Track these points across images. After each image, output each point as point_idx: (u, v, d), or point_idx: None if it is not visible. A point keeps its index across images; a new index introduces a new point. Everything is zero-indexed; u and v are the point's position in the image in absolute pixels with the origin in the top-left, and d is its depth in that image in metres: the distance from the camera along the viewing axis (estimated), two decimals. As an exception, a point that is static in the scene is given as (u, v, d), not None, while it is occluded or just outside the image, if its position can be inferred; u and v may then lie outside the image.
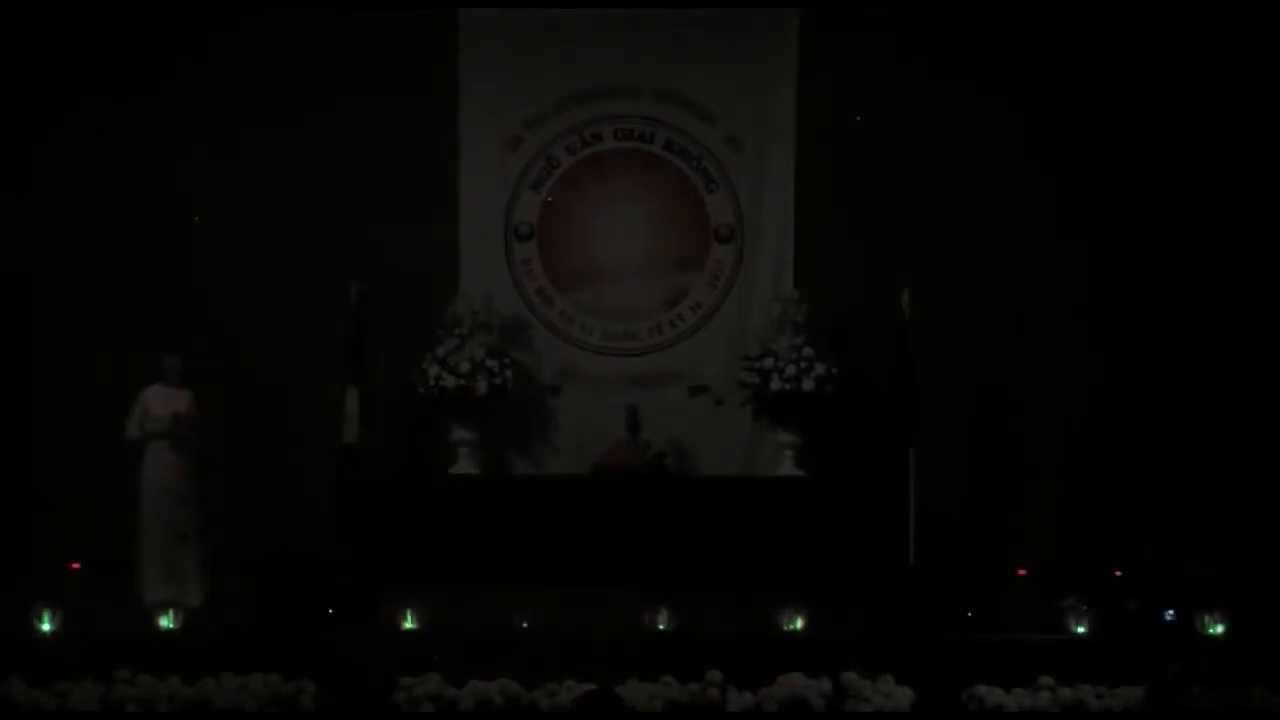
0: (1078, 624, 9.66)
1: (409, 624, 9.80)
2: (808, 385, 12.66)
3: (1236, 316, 13.03)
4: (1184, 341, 12.99)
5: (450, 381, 12.75)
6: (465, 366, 12.76)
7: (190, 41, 13.22)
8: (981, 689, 9.15)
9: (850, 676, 9.20)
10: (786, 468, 12.90)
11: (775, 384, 12.70)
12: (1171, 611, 9.39)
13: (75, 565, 12.87)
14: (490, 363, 12.84)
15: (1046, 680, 9.17)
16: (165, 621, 9.72)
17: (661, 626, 9.62)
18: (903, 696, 9.11)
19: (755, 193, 13.44)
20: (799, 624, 9.65)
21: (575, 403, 13.39)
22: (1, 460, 13.08)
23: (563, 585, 11.44)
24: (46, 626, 9.56)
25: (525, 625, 9.66)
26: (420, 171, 13.34)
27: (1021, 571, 12.81)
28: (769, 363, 12.77)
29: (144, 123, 13.23)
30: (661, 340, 13.47)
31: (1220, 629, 9.55)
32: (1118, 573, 12.76)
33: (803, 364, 12.69)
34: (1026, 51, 13.16)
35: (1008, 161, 13.17)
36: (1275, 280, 13.05)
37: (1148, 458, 11.28)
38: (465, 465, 12.97)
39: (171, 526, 11.26)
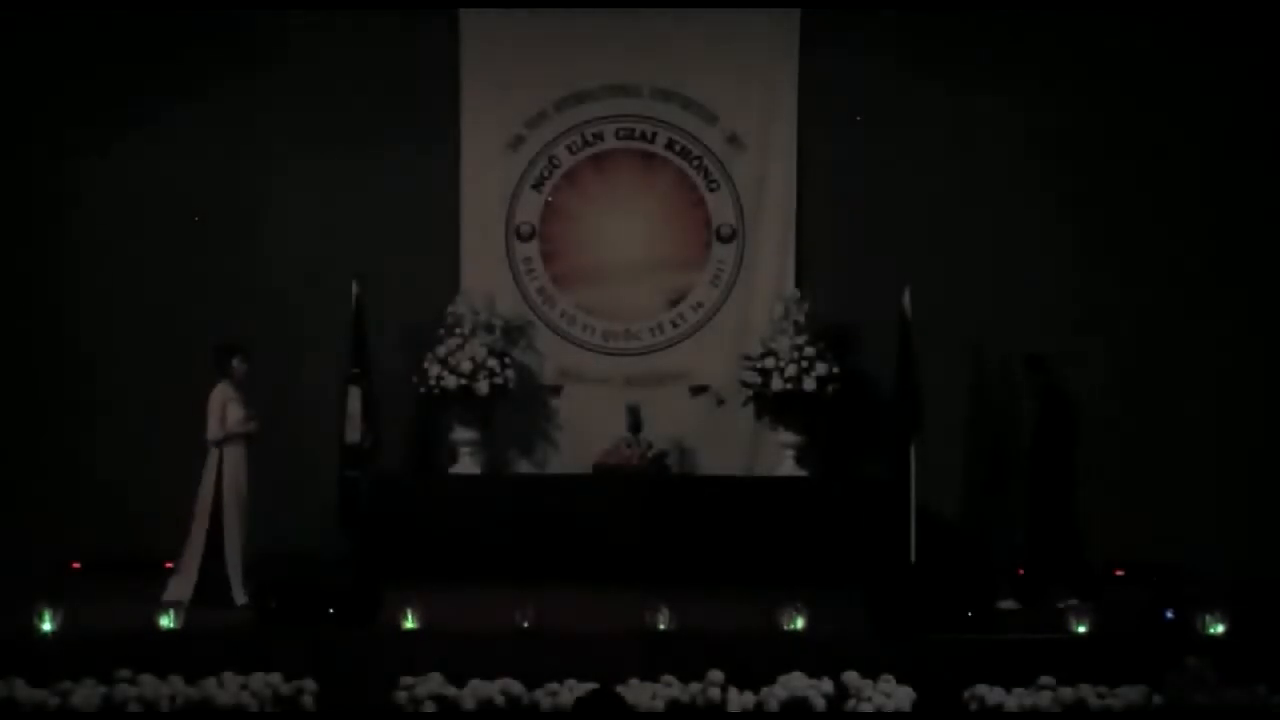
0: (1078, 624, 9.65)
1: (409, 624, 9.78)
2: (809, 385, 12.67)
3: (1238, 316, 13.03)
4: (1185, 340, 13.00)
5: (451, 381, 12.77)
6: (466, 366, 12.77)
7: (191, 42, 13.23)
8: (982, 689, 9.13)
9: (851, 676, 9.19)
10: (787, 467, 12.92)
11: (776, 384, 12.72)
12: (1171, 611, 9.37)
13: (75, 565, 12.89)
14: (491, 362, 12.85)
15: (1047, 680, 9.16)
16: (166, 621, 9.71)
17: (661, 626, 9.60)
18: (903, 696, 9.10)
19: (756, 192, 13.46)
20: (799, 624, 9.63)
21: (576, 402, 13.41)
22: (2, 460, 13.10)
23: (563, 585, 11.45)
24: (46, 626, 9.54)
25: (525, 625, 9.64)
26: (421, 171, 13.35)
27: (1022, 571, 12.81)
28: (770, 362, 12.79)
29: (144, 123, 13.26)
30: (663, 340, 13.49)
31: (1220, 629, 9.54)
32: (1119, 573, 12.80)
33: (804, 364, 12.70)
34: (1027, 51, 13.18)
35: (1009, 161, 13.18)
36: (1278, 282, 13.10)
37: (1067, 456, 11.30)
38: (466, 465, 12.99)
39: (243, 526, 11.19)
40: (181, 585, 11.03)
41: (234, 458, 11.19)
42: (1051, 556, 11.14)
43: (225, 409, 11.18)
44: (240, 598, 10.95)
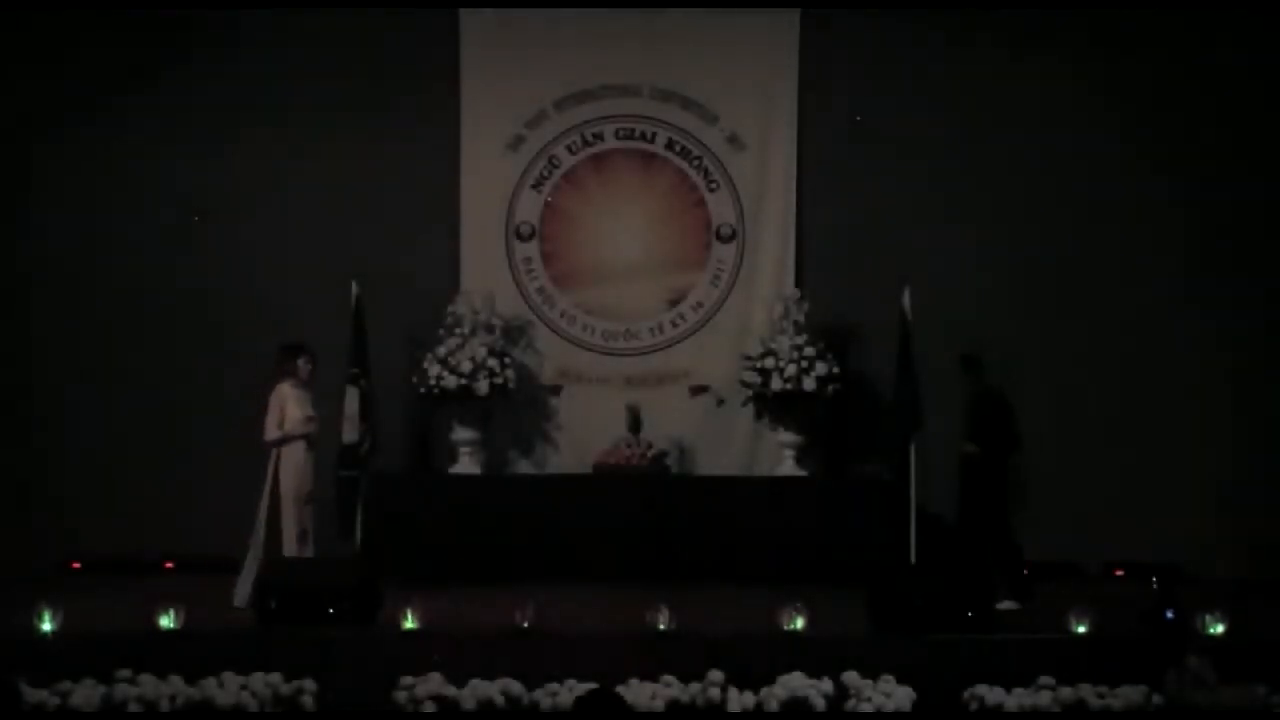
0: (1078, 624, 9.66)
1: (409, 624, 9.78)
2: (808, 385, 12.67)
3: (1239, 316, 13.02)
4: (1186, 340, 13.00)
5: (451, 381, 12.76)
6: (466, 366, 12.77)
7: (191, 43, 13.24)
8: (981, 689, 9.14)
9: (851, 676, 9.19)
10: (787, 467, 12.92)
11: (776, 383, 12.72)
12: (1171, 611, 9.36)
13: (75, 565, 12.89)
14: (491, 362, 12.85)
15: (1046, 680, 9.16)
16: (166, 621, 9.70)
17: (661, 626, 9.60)
18: (903, 696, 9.10)
19: (756, 192, 13.45)
20: (799, 624, 9.63)
21: (576, 403, 13.41)
22: (2, 460, 13.10)
23: (563, 585, 11.45)
24: (47, 626, 9.54)
25: (525, 625, 9.64)
26: (421, 171, 13.35)
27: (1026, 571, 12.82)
28: (770, 362, 12.78)
29: (144, 123, 13.26)
30: (663, 340, 13.48)
31: (1220, 629, 9.55)
32: (1119, 573, 12.80)
33: (803, 363, 12.70)
34: (1026, 51, 13.17)
35: (1008, 161, 13.18)
36: None
37: (999, 458, 11.31)
38: (466, 465, 12.98)
39: (300, 525, 11.10)
40: (241, 587, 10.88)
41: (293, 458, 11.09)
42: (983, 557, 11.10)
43: (284, 410, 11.11)
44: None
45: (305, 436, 11.13)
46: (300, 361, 11.22)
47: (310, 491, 11.15)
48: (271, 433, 11.07)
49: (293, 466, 11.07)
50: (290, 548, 10.94)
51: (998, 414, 11.29)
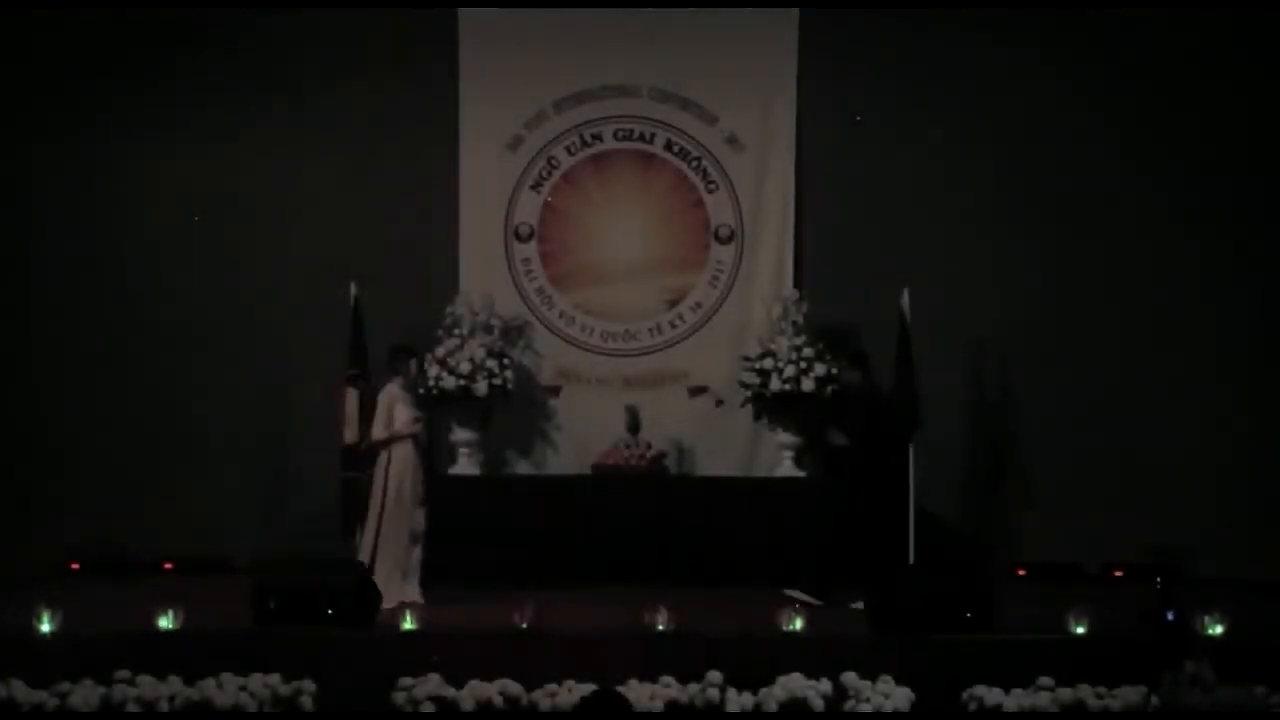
0: (1078, 624, 9.66)
1: (409, 624, 9.78)
2: (807, 385, 12.67)
3: (1238, 315, 13.01)
4: (1185, 339, 12.99)
5: (450, 382, 12.76)
6: (465, 367, 12.77)
7: (191, 42, 13.22)
8: (981, 689, 9.14)
9: (850, 677, 9.19)
10: (786, 468, 12.92)
11: (775, 384, 12.72)
12: (1171, 611, 9.36)
13: (75, 565, 12.89)
14: (490, 363, 12.85)
15: (1046, 680, 9.17)
16: (165, 621, 9.70)
17: (661, 626, 9.60)
18: (902, 696, 9.10)
19: (755, 193, 13.45)
20: (798, 624, 9.64)
21: (575, 403, 13.40)
22: (2, 459, 13.10)
23: (562, 585, 11.45)
24: (46, 626, 9.54)
25: (525, 625, 9.64)
26: (420, 171, 13.34)
27: (1021, 571, 12.83)
28: (769, 363, 12.78)
29: (144, 123, 13.25)
30: (661, 340, 13.48)
31: (1220, 629, 9.54)
32: (1119, 573, 12.80)
33: (802, 364, 12.70)
34: (1025, 51, 13.16)
35: (1008, 161, 13.18)
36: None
37: (891, 460, 11.44)
38: (465, 466, 12.98)
39: (411, 528, 11.18)
40: (393, 589, 10.85)
41: (402, 457, 11.20)
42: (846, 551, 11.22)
43: (392, 410, 11.21)
44: (412, 594, 10.94)
45: (413, 436, 11.25)
46: (411, 364, 11.43)
47: (420, 494, 11.25)
48: (379, 433, 11.21)
49: (402, 467, 11.19)
50: (400, 550, 11.03)
51: (870, 410, 11.41)
